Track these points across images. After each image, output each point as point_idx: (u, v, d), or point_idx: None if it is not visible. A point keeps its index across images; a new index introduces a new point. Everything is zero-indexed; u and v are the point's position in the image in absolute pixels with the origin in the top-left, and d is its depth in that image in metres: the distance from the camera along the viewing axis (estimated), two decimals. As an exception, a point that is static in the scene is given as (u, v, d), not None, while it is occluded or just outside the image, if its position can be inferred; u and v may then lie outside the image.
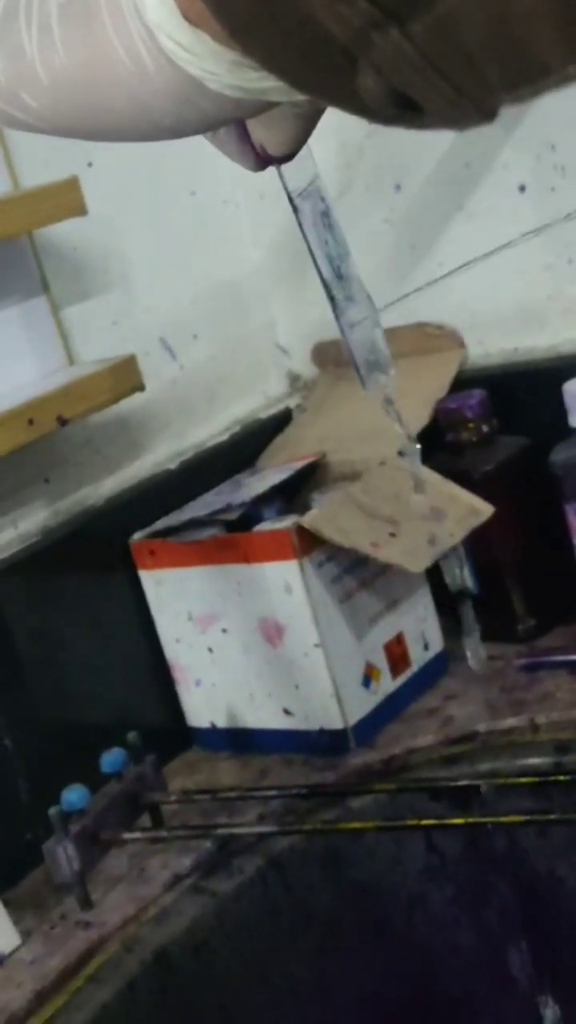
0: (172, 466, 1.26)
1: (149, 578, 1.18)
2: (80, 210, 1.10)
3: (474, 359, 1.28)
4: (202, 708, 1.19)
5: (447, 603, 1.21)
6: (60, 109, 0.44)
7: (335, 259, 0.65)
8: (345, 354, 0.68)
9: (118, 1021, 0.94)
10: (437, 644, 1.19)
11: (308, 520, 1.08)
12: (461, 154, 1.22)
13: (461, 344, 1.28)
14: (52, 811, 0.98)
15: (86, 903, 1.00)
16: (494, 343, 1.27)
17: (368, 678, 1.13)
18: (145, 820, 1.07)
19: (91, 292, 1.21)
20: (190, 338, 1.30)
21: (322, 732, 1.12)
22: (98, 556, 1.17)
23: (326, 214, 0.63)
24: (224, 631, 1.15)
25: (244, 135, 0.52)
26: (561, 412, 1.13)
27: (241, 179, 1.34)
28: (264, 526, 1.12)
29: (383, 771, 1.09)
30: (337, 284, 0.65)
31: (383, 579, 1.14)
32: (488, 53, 0.33)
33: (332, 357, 1.36)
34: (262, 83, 0.39)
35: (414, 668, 1.17)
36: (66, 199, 1.09)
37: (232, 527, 1.14)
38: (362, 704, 1.12)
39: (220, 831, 1.04)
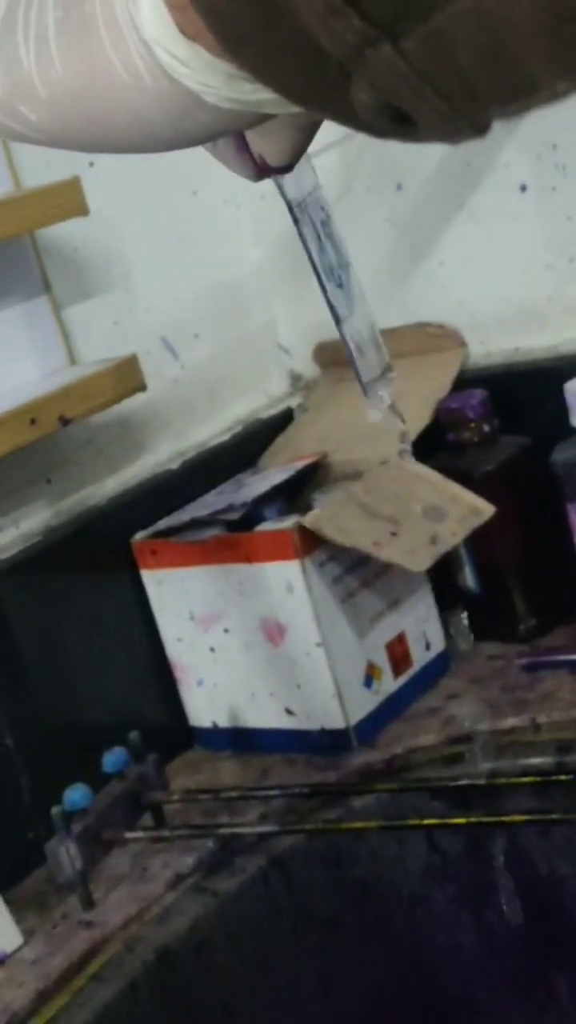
0: (174, 466, 1.26)
1: (151, 578, 1.18)
2: (82, 210, 1.10)
3: (475, 359, 1.28)
4: (204, 708, 1.19)
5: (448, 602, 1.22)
6: (58, 122, 0.44)
7: (335, 268, 0.65)
8: (347, 359, 0.68)
9: (120, 1020, 0.94)
10: (438, 644, 1.19)
11: (310, 520, 1.08)
12: (462, 154, 1.22)
13: (462, 344, 1.28)
14: (54, 810, 0.99)
15: (88, 902, 1.00)
16: (495, 343, 1.27)
17: (370, 678, 1.13)
18: (147, 819, 1.07)
19: (93, 292, 1.21)
20: (191, 338, 1.30)
21: (324, 732, 1.12)
22: (100, 556, 1.17)
23: (326, 223, 0.63)
24: (226, 631, 1.15)
25: (243, 145, 0.52)
26: (562, 411, 1.13)
27: (242, 180, 1.34)
28: (266, 526, 1.12)
29: (385, 770, 1.09)
30: (337, 294, 0.66)
31: (384, 579, 1.14)
32: (479, 69, 0.34)
33: (333, 357, 1.36)
34: (258, 95, 0.39)
35: (415, 668, 1.17)
36: (68, 199, 1.10)
37: (234, 527, 1.14)
38: (364, 704, 1.12)
39: (222, 830, 1.04)
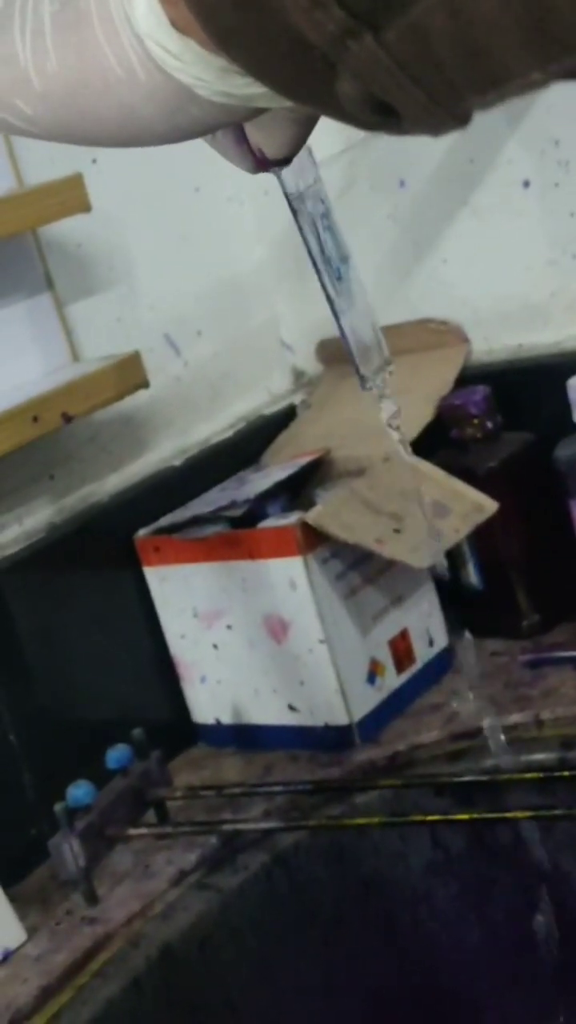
0: (177, 463, 1.26)
1: (154, 575, 1.18)
2: (84, 207, 1.10)
3: (478, 355, 1.28)
4: (207, 704, 1.19)
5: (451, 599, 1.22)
6: (53, 115, 0.44)
7: (334, 261, 0.65)
8: (345, 352, 0.68)
9: (124, 1017, 0.94)
10: (442, 640, 1.19)
11: (312, 516, 1.08)
12: (465, 150, 1.22)
13: (465, 340, 1.28)
14: (57, 807, 0.99)
15: (92, 899, 1.00)
16: (498, 339, 1.27)
17: (373, 674, 1.13)
18: (150, 816, 1.07)
19: (95, 289, 1.21)
20: (194, 335, 1.30)
21: (327, 728, 1.12)
22: (103, 553, 1.17)
23: (326, 216, 0.63)
24: (229, 627, 1.15)
25: (242, 138, 0.52)
26: (565, 408, 1.13)
27: (245, 176, 1.34)
28: (269, 522, 1.12)
29: (388, 767, 1.09)
30: (336, 286, 0.65)
31: (388, 575, 1.14)
32: (455, 60, 0.35)
33: (336, 354, 1.36)
34: (249, 89, 0.40)
35: (419, 664, 1.17)
36: (70, 196, 1.10)
37: (237, 523, 1.14)
38: (367, 700, 1.12)
39: (225, 827, 1.04)
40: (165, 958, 0.98)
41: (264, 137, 0.52)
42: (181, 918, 1.00)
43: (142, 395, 1.17)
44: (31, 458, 1.13)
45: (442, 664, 1.19)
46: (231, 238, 1.35)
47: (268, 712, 1.15)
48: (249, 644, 1.14)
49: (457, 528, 1.12)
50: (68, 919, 1.00)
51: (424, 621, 1.18)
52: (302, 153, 0.53)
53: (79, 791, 1.00)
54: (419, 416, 1.22)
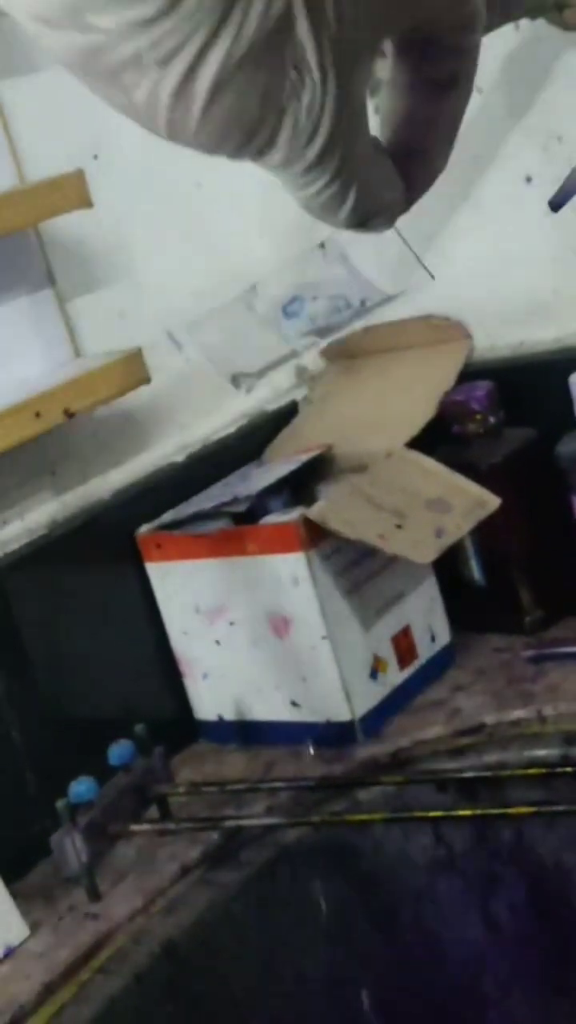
0: (179, 459, 1.26)
1: (156, 571, 1.18)
2: (86, 202, 1.10)
3: (480, 351, 1.28)
4: (209, 700, 1.19)
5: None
6: None
7: None
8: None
9: (126, 1013, 0.94)
10: (444, 636, 1.19)
11: (315, 512, 1.08)
12: (468, 145, 1.22)
13: (467, 336, 1.28)
14: (60, 803, 0.99)
15: (94, 895, 1.00)
16: (500, 335, 1.26)
17: (375, 670, 1.13)
18: (153, 812, 1.07)
19: (97, 285, 1.21)
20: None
21: (329, 724, 1.12)
22: (105, 549, 1.17)
23: None
24: (231, 623, 1.15)
25: None
26: (567, 404, 1.13)
27: (247, 171, 1.34)
28: (271, 518, 1.12)
29: (390, 763, 1.09)
30: None
31: (390, 571, 1.14)
32: None
33: (338, 350, 1.35)
34: None
35: (421, 660, 1.17)
36: (72, 192, 1.09)
37: (239, 519, 1.14)
38: (369, 696, 1.12)
39: (228, 823, 1.04)
40: (167, 954, 0.98)
41: None
42: (184, 914, 1.00)
43: (144, 391, 1.17)
44: (33, 454, 1.13)
45: (444, 660, 1.19)
46: (233, 233, 1.34)
47: (270, 708, 1.15)
48: (251, 640, 1.14)
49: (459, 524, 1.11)
50: (71, 915, 1.00)
51: (426, 617, 1.18)
52: None
53: (81, 787, 1.00)
54: (421, 412, 1.21)
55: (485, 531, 1.15)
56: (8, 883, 1.00)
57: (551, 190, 1.18)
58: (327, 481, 1.20)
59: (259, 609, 1.12)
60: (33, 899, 1.03)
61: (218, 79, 0.46)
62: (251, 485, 1.17)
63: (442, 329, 1.28)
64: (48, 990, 0.93)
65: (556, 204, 0.82)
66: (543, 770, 1.02)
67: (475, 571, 1.21)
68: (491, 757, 1.07)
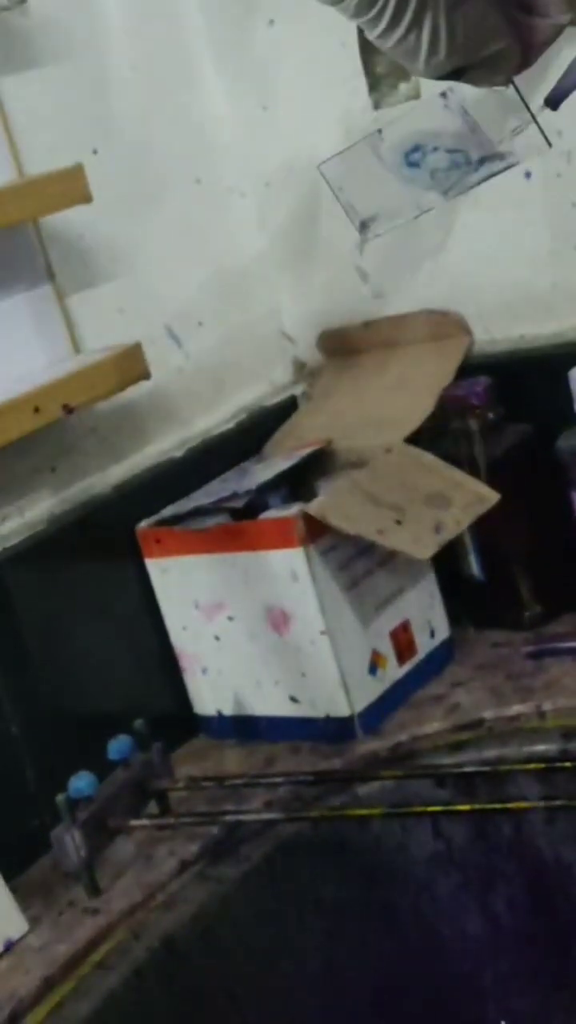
0: (178, 454, 1.26)
1: (155, 566, 1.18)
2: (85, 197, 1.10)
3: (480, 346, 1.28)
4: (209, 696, 1.19)
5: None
6: None
7: None
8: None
9: (126, 1007, 0.94)
10: (443, 631, 1.19)
11: (314, 507, 1.08)
12: (467, 140, 1.22)
13: (467, 331, 1.28)
14: (59, 798, 0.99)
15: (94, 890, 1.01)
16: (500, 330, 1.26)
17: (374, 665, 1.13)
18: (152, 807, 1.07)
19: (96, 280, 1.21)
20: (196, 326, 1.30)
21: (328, 719, 1.12)
22: (105, 544, 1.17)
23: None
24: (230, 619, 1.15)
25: None
26: (567, 399, 1.13)
27: (247, 166, 1.34)
28: (270, 514, 1.12)
29: (390, 758, 1.09)
30: None
31: (389, 566, 1.14)
32: None
33: (338, 345, 1.35)
34: None
35: (420, 655, 1.17)
36: (71, 186, 1.09)
37: (238, 515, 1.14)
38: (368, 691, 1.12)
39: (227, 818, 1.04)
40: (167, 949, 0.98)
41: None
42: (183, 909, 1.00)
43: (143, 386, 1.17)
44: (32, 449, 1.13)
45: (444, 655, 1.19)
46: (232, 229, 1.34)
47: (270, 704, 1.15)
48: (251, 636, 1.14)
49: (458, 519, 1.11)
50: (70, 910, 1.00)
51: (425, 612, 1.18)
52: None
53: (81, 782, 1.00)
54: (421, 407, 1.21)
55: (484, 526, 1.16)
56: (8, 878, 1.00)
57: (552, 186, 1.19)
58: (326, 476, 1.20)
59: (258, 604, 1.12)
60: (33, 894, 1.03)
61: None
62: (250, 480, 1.17)
63: (441, 324, 1.28)
64: (48, 984, 0.93)
65: (554, 101, 0.81)
66: (542, 765, 1.02)
67: (474, 566, 1.21)
68: (490, 752, 1.07)
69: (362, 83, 1.24)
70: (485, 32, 0.58)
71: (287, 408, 1.36)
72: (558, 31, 0.61)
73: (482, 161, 0.80)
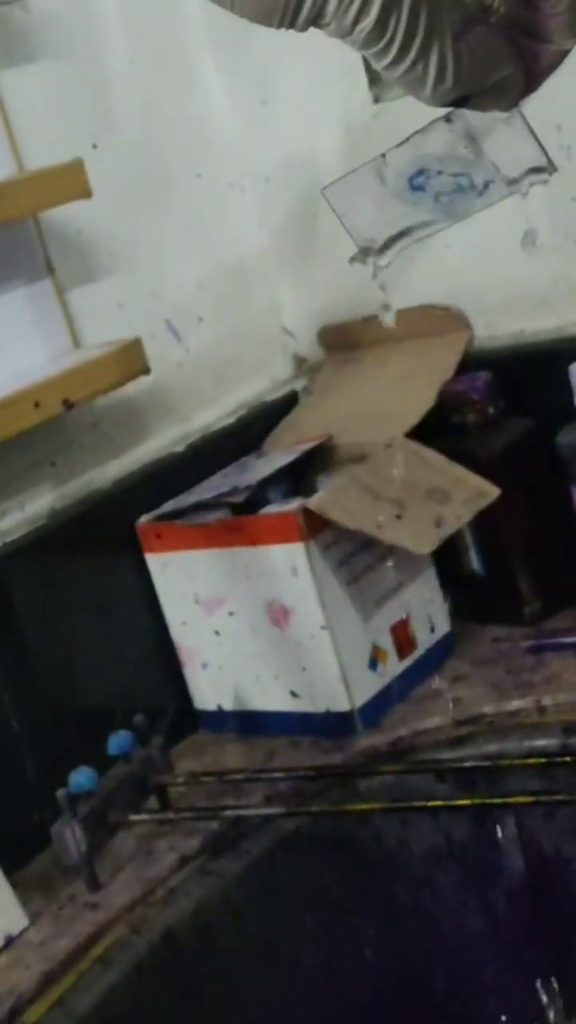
0: (178, 449, 1.26)
1: (155, 561, 1.18)
2: (85, 192, 1.10)
3: (480, 341, 1.28)
4: (209, 691, 1.19)
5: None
6: None
7: None
8: None
9: (126, 1002, 0.94)
10: (444, 626, 1.19)
11: (314, 502, 1.08)
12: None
13: (467, 326, 1.27)
14: (60, 793, 0.99)
15: (94, 885, 1.01)
16: (500, 325, 1.26)
17: (375, 660, 1.13)
18: (152, 802, 1.07)
19: (96, 275, 1.21)
20: (196, 321, 1.30)
21: (329, 714, 1.12)
22: (105, 539, 1.17)
23: None
24: (231, 614, 1.15)
25: None
26: (567, 394, 1.13)
27: (247, 161, 1.34)
28: (270, 509, 1.12)
29: (390, 753, 1.09)
30: None
31: (389, 561, 1.14)
32: None
33: (338, 340, 1.35)
34: None
35: (420, 650, 1.17)
36: (71, 181, 1.09)
37: (238, 510, 1.14)
38: (369, 686, 1.12)
39: (227, 813, 1.04)
40: (167, 943, 0.98)
41: None
42: (183, 904, 1.00)
43: (143, 381, 1.17)
44: (32, 444, 1.13)
45: (444, 650, 1.19)
46: (232, 224, 1.34)
47: (270, 698, 1.15)
48: (251, 630, 1.14)
49: (459, 514, 1.11)
50: (70, 905, 1.00)
51: (426, 607, 1.18)
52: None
53: (81, 777, 1.00)
54: (421, 401, 1.21)
55: (485, 521, 1.15)
56: (8, 873, 1.00)
57: (551, 181, 1.18)
58: (327, 471, 1.20)
59: (258, 599, 1.12)
60: (33, 889, 1.03)
61: None
62: (251, 475, 1.17)
63: (442, 319, 1.28)
64: (48, 980, 0.93)
65: None
66: (542, 760, 1.02)
67: (474, 561, 1.21)
68: (490, 747, 1.07)
69: (362, 77, 1.24)
70: (490, 60, 0.58)
71: (287, 403, 1.36)
72: (562, 57, 0.61)
73: (487, 185, 0.80)
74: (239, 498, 1.14)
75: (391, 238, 0.84)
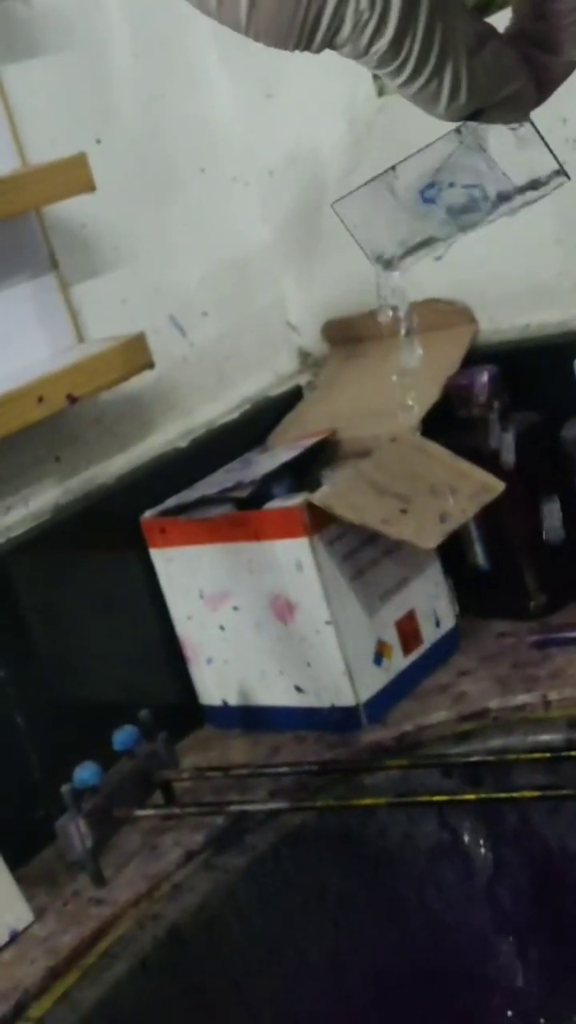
0: (182, 444, 1.26)
1: (160, 556, 1.18)
2: (88, 187, 1.10)
3: (485, 335, 1.27)
4: (214, 686, 1.19)
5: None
6: None
7: None
8: None
9: (131, 997, 0.94)
10: (449, 621, 1.19)
11: (319, 497, 1.08)
12: (471, 129, 1.21)
13: (472, 320, 1.27)
14: (64, 788, 0.99)
15: (98, 880, 1.01)
16: (505, 319, 1.26)
17: (379, 655, 1.13)
18: (157, 797, 1.07)
19: (100, 270, 1.21)
20: (199, 316, 1.30)
21: (334, 709, 1.12)
22: (109, 534, 1.17)
23: None
24: (235, 609, 1.15)
25: None
26: (572, 388, 1.13)
27: (250, 156, 1.33)
28: (275, 503, 1.12)
29: (395, 748, 1.09)
30: None
31: (394, 556, 1.14)
32: None
33: (342, 334, 1.35)
34: None
35: (426, 645, 1.17)
36: (74, 176, 1.09)
37: (243, 505, 1.13)
38: (374, 681, 1.12)
39: (232, 808, 1.04)
40: (172, 939, 0.98)
41: None
42: (188, 899, 1.00)
43: (147, 376, 1.17)
44: (36, 439, 1.13)
45: (449, 645, 1.19)
46: (236, 219, 1.34)
47: (275, 693, 1.15)
48: (256, 625, 1.14)
49: (464, 508, 1.11)
50: (75, 900, 1.00)
51: (431, 602, 1.18)
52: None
53: (86, 772, 1.00)
54: (426, 396, 1.21)
55: (490, 516, 1.15)
56: (13, 868, 1.00)
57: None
58: (331, 466, 1.20)
59: (263, 594, 1.12)
60: (38, 884, 1.03)
61: None
62: (255, 470, 1.17)
63: (447, 313, 1.28)
64: (53, 975, 0.93)
65: None
66: (548, 755, 1.02)
67: (480, 556, 1.21)
68: (496, 742, 1.07)
69: (366, 71, 1.24)
70: (503, 74, 0.59)
71: (292, 398, 1.35)
72: (572, 68, 0.62)
73: (499, 196, 0.81)
74: (243, 493, 1.13)
75: (404, 251, 0.85)
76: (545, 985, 1.09)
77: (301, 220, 1.34)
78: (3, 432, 1.04)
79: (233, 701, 1.18)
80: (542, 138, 0.75)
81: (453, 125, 0.72)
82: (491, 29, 0.59)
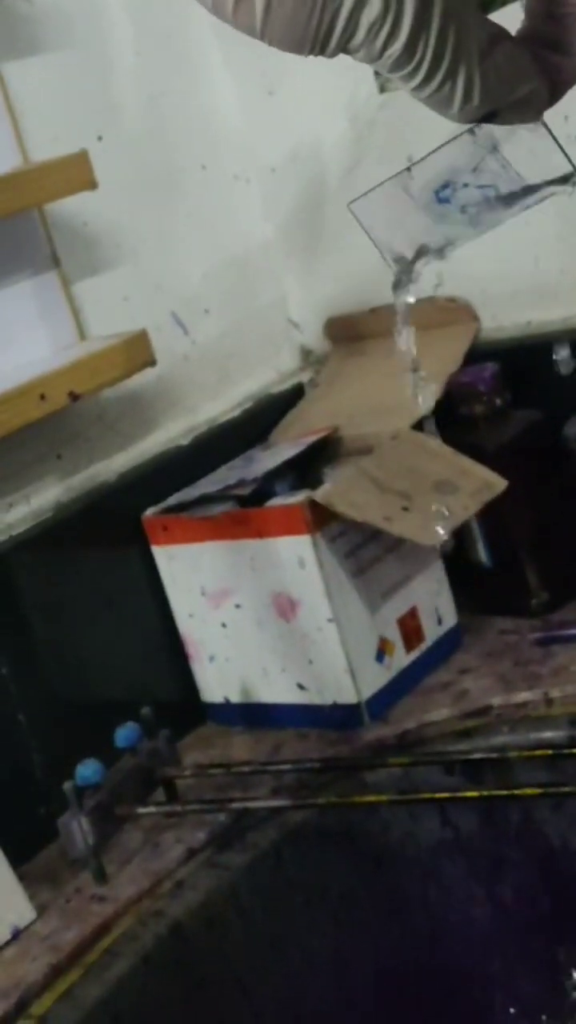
0: (184, 441, 1.26)
1: (162, 553, 1.18)
2: (90, 184, 1.10)
3: (487, 332, 1.27)
4: (216, 683, 1.19)
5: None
6: None
7: None
8: None
9: (133, 995, 0.94)
10: (451, 618, 1.19)
11: (321, 494, 1.08)
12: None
13: (474, 318, 1.27)
14: (66, 786, 0.99)
15: (101, 877, 1.01)
16: (507, 316, 1.26)
17: (382, 652, 1.13)
18: (159, 795, 1.07)
19: (102, 267, 1.21)
20: (202, 313, 1.30)
21: (336, 706, 1.12)
22: (111, 532, 1.17)
23: None
24: (237, 606, 1.15)
25: None
26: (575, 385, 1.12)
27: (252, 153, 1.33)
28: (277, 501, 1.12)
29: (397, 745, 1.09)
30: None
31: (396, 553, 1.14)
32: None
33: (344, 331, 1.35)
34: None
35: (428, 642, 1.17)
36: (76, 173, 1.09)
37: (245, 502, 1.13)
38: (376, 678, 1.12)
39: (234, 805, 1.04)
40: (174, 936, 0.98)
41: None
42: (190, 896, 1.00)
43: (149, 374, 1.17)
44: (38, 437, 1.13)
45: (451, 642, 1.19)
46: (238, 216, 1.34)
47: (277, 691, 1.15)
48: (258, 623, 1.14)
49: (466, 506, 1.11)
50: (77, 897, 1.00)
51: (433, 599, 1.18)
52: None
53: (88, 770, 1.00)
54: (428, 393, 1.21)
55: (492, 513, 1.15)
56: (15, 866, 1.00)
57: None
58: (333, 464, 1.20)
59: (265, 592, 1.12)
60: (40, 882, 1.03)
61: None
62: (257, 468, 1.17)
63: (448, 311, 1.28)
64: (55, 972, 0.93)
65: None
66: (550, 752, 1.02)
67: (482, 553, 1.21)
68: (498, 739, 1.07)
69: (368, 68, 1.24)
70: (516, 76, 0.59)
71: (293, 395, 1.35)
72: None
73: (513, 196, 0.81)
74: (245, 490, 1.13)
75: (419, 252, 0.85)
76: (548, 983, 1.09)
77: (303, 217, 1.34)
78: (5, 430, 1.04)
79: (235, 698, 1.18)
80: (555, 139, 0.75)
81: (466, 126, 0.73)
82: (503, 31, 0.59)
